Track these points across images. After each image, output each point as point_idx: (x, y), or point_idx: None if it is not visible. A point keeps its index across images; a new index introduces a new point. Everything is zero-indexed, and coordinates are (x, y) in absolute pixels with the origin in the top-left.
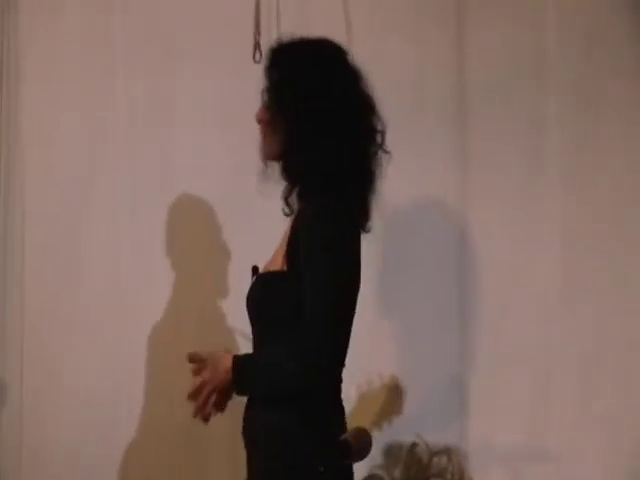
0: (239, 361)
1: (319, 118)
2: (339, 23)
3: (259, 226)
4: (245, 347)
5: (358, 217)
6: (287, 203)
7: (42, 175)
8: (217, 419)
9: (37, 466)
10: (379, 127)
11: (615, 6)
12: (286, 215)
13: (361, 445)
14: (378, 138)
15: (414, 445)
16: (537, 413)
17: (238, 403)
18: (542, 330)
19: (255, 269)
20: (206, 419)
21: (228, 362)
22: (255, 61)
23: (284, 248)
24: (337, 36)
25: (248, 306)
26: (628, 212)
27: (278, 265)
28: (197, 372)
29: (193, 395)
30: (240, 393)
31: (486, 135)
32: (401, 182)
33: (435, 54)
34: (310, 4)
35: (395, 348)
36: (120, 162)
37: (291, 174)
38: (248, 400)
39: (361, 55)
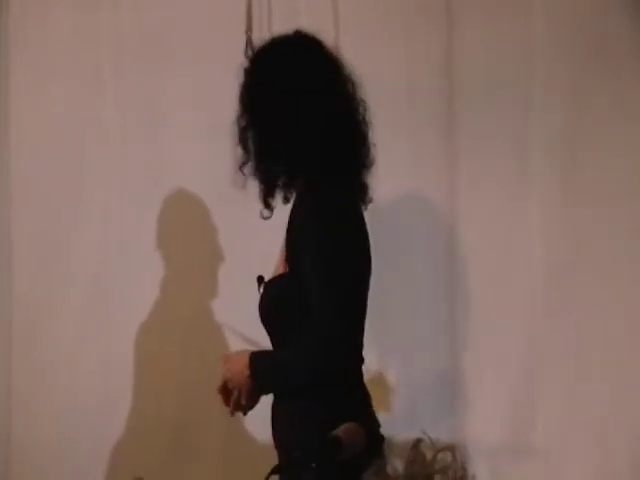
0: (256, 355)
1: (294, 110)
2: (329, 22)
3: (250, 226)
4: (236, 347)
5: (355, 195)
6: (268, 205)
7: (30, 175)
8: (207, 419)
9: (26, 463)
10: (359, 98)
11: (606, 3)
12: (264, 218)
13: (353, 440)
14: (361, 110)
15: (418, 441)
16: (524, 411)
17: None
18: (531, 327)
19: (260, 279)
20: (230, 414)
21: (246, 358)
22: (247, 58)
23: (284, 251)
24: (326, 33)
25: (262, 316)
26: (616, 211)
27: (282, 269)
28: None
29: (220, 390)
30: (258, 388)
31: (475, 132)
32: (388, 178)
33: (424, 51)
34: (300, 1)
35: (384, 345)
36: (110, 161)
37: (272, 172)
38: (273, 401)
39: (350, 52)
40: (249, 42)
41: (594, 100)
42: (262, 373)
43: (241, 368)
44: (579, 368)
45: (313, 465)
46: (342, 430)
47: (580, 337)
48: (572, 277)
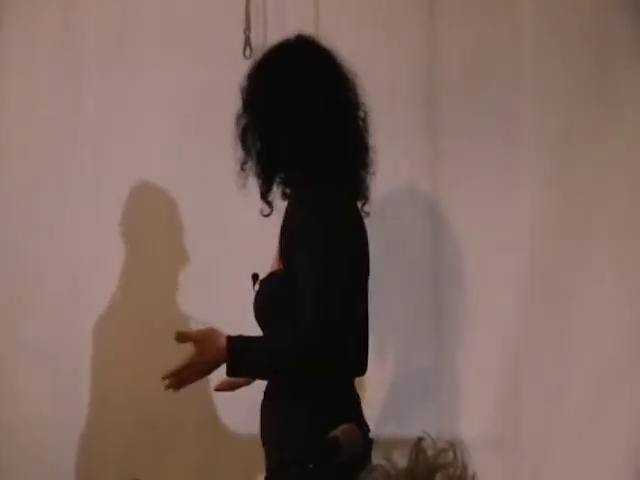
0: (234, 340)
1: (289, 108)
2: (312, 21)
3: (226, 223)
4: None
5: (351, 194)
6: (267, 202)
7: (11, 174)
8: (183, 409)
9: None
10: (359, 100)
11: (606, 3)
12: (265, 216)
13: (350, 441)
14: (360, 112)
15: (420, 439)
16: (510, 411)
17: (202, 395)
18: (519, 326)
19: (255, 276)
20: (175, 386)
21: (222, 341)
22: (245, 57)
23: (279, 249)
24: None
25: (256, 314)
26: (600, 203)
27: (277, 266)
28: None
29: (177, 372)
30: (233, 372)
31: (457, 134)
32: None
33: (406, 47)
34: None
35: (371, 344)
36: (93, 161)
37: (269, 169)
38: (263, 400)
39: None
40: (247, 42)
41: (593, 100)
42: (242, 350)
43: (216, 347)
44: (565, 368)
45: (310, 466)
46: (340, 431)
47: (567, 337)
48: (559, 277)
